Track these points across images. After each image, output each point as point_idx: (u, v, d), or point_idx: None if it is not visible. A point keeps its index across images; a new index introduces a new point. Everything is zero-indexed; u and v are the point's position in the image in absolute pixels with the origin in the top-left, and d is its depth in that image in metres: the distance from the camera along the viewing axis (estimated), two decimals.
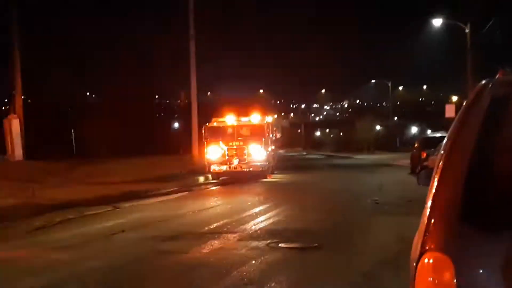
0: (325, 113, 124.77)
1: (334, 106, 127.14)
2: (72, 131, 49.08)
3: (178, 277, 7.70)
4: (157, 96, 67.19)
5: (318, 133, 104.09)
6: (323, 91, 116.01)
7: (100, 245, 10.23)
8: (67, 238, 10.92)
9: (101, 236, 11.06)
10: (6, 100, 36.89)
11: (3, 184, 20.40)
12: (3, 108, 38.30)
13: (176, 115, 68.67)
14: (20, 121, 29.57)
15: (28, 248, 10.00)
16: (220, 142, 25.84)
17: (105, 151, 36.99)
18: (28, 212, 14.40)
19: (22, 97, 31.26)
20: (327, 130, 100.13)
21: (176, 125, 66.14)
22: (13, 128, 29.38)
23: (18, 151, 29.26)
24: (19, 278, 7.82)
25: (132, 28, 45.64)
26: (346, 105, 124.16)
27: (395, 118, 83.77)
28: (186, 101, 38.76)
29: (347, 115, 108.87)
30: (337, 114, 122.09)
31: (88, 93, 55.67)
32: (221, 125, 26.46)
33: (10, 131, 29.41)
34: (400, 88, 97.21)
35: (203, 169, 26.45)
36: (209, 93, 54.20)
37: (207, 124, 27.03)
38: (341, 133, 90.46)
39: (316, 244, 9.55)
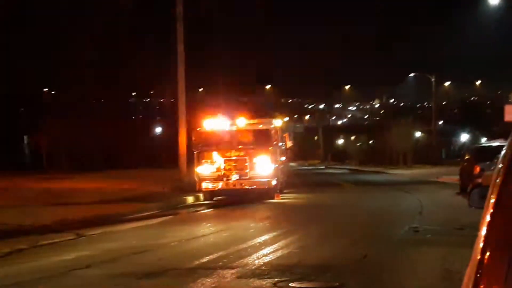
0: (350, 116, 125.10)
1: (361, 107, 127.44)
2: (25, 137, 49.20)
3: None
4: (133, 94, 67.25)
5: (340, 141, 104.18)
6: (347, 87, 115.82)
7: (58, 283, 10.22)
8: (17, 274, 10.89)
9: (59, 273, 11.01)
10: None
11: None
12: None
13: (158, 118, 68.78)
14: None
15: None
16: (215, 152, 25.82)
17: (68, 163, 37.08)
18: None
19: None
20: (353, 137, 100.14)
21: (159, 129, 66.28)
22: None
23: None
24: None
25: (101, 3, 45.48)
26: (377, 106, 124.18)
27: (440, 122, 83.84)
28: (172, 100, 38.77)
29: (378, 118, 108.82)
30: (366, 116, 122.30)
31: (46, 90, 55.73)
32: (216, 130, 26.36)
33: None
34: (447, 84, 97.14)
35: (192, 186, 26.47)
36: (201, 89, 54.17)
37: (198, 128, 26.99)
38: (371, 141, 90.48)
39: (337, 284, 9.51)
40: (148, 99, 78.37)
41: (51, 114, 45.75)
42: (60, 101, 51.62)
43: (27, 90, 45.93)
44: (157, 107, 73.20)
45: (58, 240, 14.99)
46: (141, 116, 70.64)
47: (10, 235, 15.31)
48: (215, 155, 25.76)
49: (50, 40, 43.34)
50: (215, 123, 26.74)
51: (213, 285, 9.64)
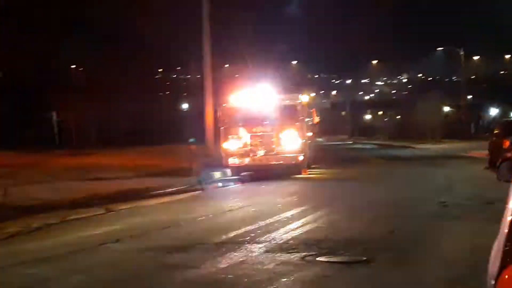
0: (377, 91, 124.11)
1: (389, 82, 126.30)
2: (53, 114, 49.52)
3: None
4: (160, 70, 67.32)
5: (368, 116, 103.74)
6: (374, 62, 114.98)
7: (88, 257, 10.33)
8: (47, 248, 11.06)
9: (89, 247, 11.16)
10: None
11: None
12: None
13: (185, 93, 68.84)
14: None
15: (0, 260, 10.15)
16: (241, 127, 25.82)
17: (95, 140, 37.33)
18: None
19: None
20: (380, 113, 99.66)
21: (185, 106, 66.38)
22: None
23: None
24: None
25: None
26: (405, 80, 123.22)
27: (469, 96, 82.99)
28: (198, 76, 38.75)
29: (406, 92, 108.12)
30: (393, 91, 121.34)
31: (73, 66, 55.93)
32: (242, 106, 26.36)
33: None
34: (476, 58, 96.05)
35: (219, 162, 26.56)
36: (227, 65, 54.04)
37: (224, 104, 26.99)
38: (398, 116, 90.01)
39: (365, 258, 9.52)
40: (175, 75, 78.44)
41: (79, 90, 45.97)
42: (88, 77, 51.78)
43: (55, 66, 46.13)
44: (184, 83, 73.21)
45: (87, 215, 15.17)
46: (168, 92, 70.70)
47: (40, 210, 15.51)
48: (242, 130, 25.78)
49: (78, 16, 43.35)
50: (242, 98, 26.73)
51: (241, 259, 9.70)
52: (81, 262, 9.94)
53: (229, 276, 8.66)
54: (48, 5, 41.45)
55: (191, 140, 25.74)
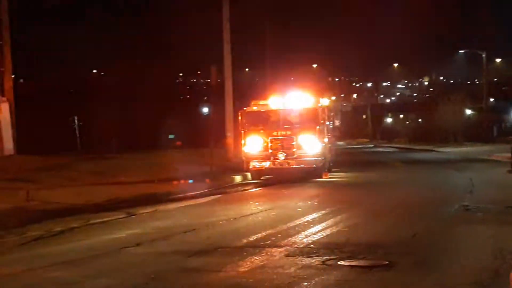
0: (398, 94, 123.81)
1: (410, 85, 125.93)
2: (75, 119, 49.80)
3: None
4: (181, 74, 67.48)
5: (389, 120, 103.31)
6: (395, 65, 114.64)
7: (110, 261, 10.37)
8: (70, 252, 11.13)
9: (111, 250, 11.21)
10: None
11: None
12: None
13: (205, 97, 68.97)
14: (10, 106, 29.99)
15: (23, 263, 10.21)
16: (262, 131, 25.84)
17: (116, 144, 37.47)
18: (22, 219, 14.76)
19: (13, 76, 31.71)
20: (401, 116, 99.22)
21: (205, 109, 66.45)
22: (1, 115, 29.78)
23: (7, 143, 29.78)
24: None
25: None
26: (426, 83, 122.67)
27: (491, 99, 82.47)
28: (219, 80, 38.87)
29: (427, 95, 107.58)
30: (414, 94, 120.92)
31: (94, 71, 56.24)
32: (262, 110, 26.43)
33: None
34: (498, 60, 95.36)
35: (239, 166, 26.59)
36: (247, 69, 53.96)
37: (244, 108, 27.04)
38: (420, 119, 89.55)
39: (387, 262, 9.48)
40: (195, 80, 78.49)
41: (100, 95, 46.19)
42: (109, 82, 52.03)
43: (77, 72, 46.46)
44: (204, 87, 73.33)
45: (109, 219, 15.24)
46: (188, 96, 70.88)
47: (63, 214, 15.61)
48: (262, 134, 25.78)
49: (100, 22, 43.65)
50: (262, 102, 26.79)
51: (262, 263, 9.69)
52: (104, 265, 9.97)
53: (250, 280, 8.65)
54: (72, 12, 41.69)
55: (171, 136, 25.88)
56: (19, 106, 31.08)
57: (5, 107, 29.74)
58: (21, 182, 22.13)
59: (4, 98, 29.94)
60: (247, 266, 9.52)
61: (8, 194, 18.79)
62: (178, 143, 24.36)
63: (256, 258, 10.05)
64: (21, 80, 37.80)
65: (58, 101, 44.34)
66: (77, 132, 49.14)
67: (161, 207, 17.50)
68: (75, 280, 8.86)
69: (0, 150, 29.74)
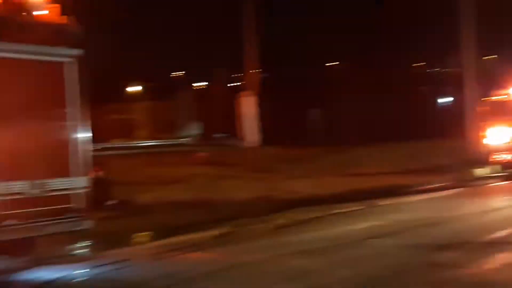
0: None
1: None
2: (317, 111, 50.51)
3: None
4: (417, 64, 65.90)
5: None
6: None
7: (352, 252, 10.46)
8: (313, 241, 11.43)
9: (354, 241, 11.33)
10: (237, 75, 39.25)
11: (237, 174, 22.11)
12: (236, 84, 40.74)
13: (443, 87, 66.98)
14: (254, 100, 30.91)
15: (269, 250, 10.69)
16: (505, 122, 24.68)
17: (355, 135, 37.51)
18: (267, 208, 15.42)
19: (258, 70, 32.73)
20: None
21: (443, 100, 64.59)
22: (247, 109, 30.76)
23: (252, 135, 30.73)
24: (262, 285, 8.36)
25: None
26: None
27: None
28: (458, 69, 37.14)
29: None
30: None
31: (335, 63, 56.51)
32: (507, 99, 25.20)
33: (241, 112, 30.91)
34: None
35: (482, 159, 25.59)
36: (495, 56, 50.79)
37: (487, 98, 25.99)
38: None
39: None
40: (432, 69, 76.37)
41: (337, 85, 46.42)
42: (344, 71, 52.07)
43: (317, 64, 46.97)
44: (441, 77, 71.15)
45: (350, 210, 15.37)
46: (425, 87, 69.20)
47: (304, 204, 16.05)
48: (506, 125, 24.62)
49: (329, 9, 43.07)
50: (506, 92, 25.54)
51: (507, 261, 9.30)
52: (346, 256, 10.09)
53: (496, 278, 8.32)
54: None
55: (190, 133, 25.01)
56: (262, 100, 32.08)
57: (250, 100, 30.75)
58: (265, 173, 23.11)
59: (250, 92, 31.00)
60: (493, 263, 9.18)
61: (253, 184, 19.71)
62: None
63: (503, 255, 9.67)
64: (266, 75, 38.97)
65: (299, 93, 45.23)
66: (318, 124, 49.90)
67: (400, 200, 17.39)
68: (317, 269, 9.06)
69: (245, 141, 30.88)
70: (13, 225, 8.68)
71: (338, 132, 39.06)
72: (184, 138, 38.98)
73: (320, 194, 17.86)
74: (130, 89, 44.02)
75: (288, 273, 8.86)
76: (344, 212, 15.06)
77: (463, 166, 25.25)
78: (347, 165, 25.55)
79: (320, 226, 13.32)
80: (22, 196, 8.73)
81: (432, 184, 20.34)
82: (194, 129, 41.09)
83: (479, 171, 24.45)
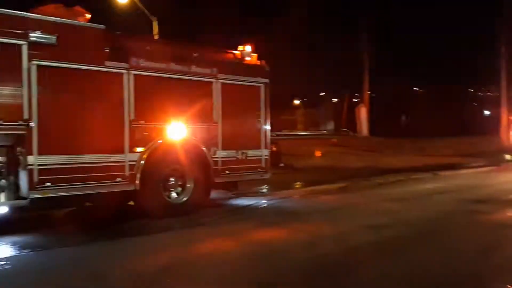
0: None
1: None
2: (403, 116, 48.60)
3: (484, 232, 7.18)
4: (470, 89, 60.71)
5: None
6: None
7: (421, 201, 10.14)
8: (397, 193, 11.14)
9: (422, 195, 10.96)
10: (357, 95, 38.75)
11: (353, 152, 21.91)
12: (355, 100, 40.23)
13: (487, 103, 61.67)
14: (366, 109, 30.99)
15: (370, 197, 10.60)
16: None
17: (429, 132, 35.76)
18: (370, 173, 15.17)
19: (368, 92, 32.42)
20: None
21: (487, 112, 59.69)
22: (361, 114, 31.12)
23: (364, 130, 30.95)
24: (363, 218, 8.30)
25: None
26: None
27: None
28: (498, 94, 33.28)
29: None
30: None
31: (415, 88, 53.76)
32: None
33: (359, 116, 31.23)
34: None
35: (510, 149, 23.51)
36: None
37: None
38: None
39: None
40: (479, 92, 69.93)
41: (418, 101, 44.27)
42: (423, 91, 49.06)
43: (403, 87, 44.75)
44: (486, 97, 65.10)
45: (422, 176, 14.74)
46: (476, 103, 63.83)
47: (393, 172, 15.61)
48: None
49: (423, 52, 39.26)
50: None
51: None
52: (416, 203, 9.80)
53: None
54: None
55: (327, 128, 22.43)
56: (371, 108, 31.69)
57: (363, 110, 30.86)
58: (371, 152, 22.69)
59: (363, 105, 31.05)
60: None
61: (363, 158, 19.50)
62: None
63: None
64: (373, 95, 37.76)
65: (394, 104, 43.50)
66: (405, 124, 47.83)
67: (457, 172, 16.47)
68: (399, 210, 8.87)
69: (360, 133, 30.90)
70: (229, 174, 8.93)
71: (419, 129, 37.34)
72: (324, 131, 39.04)
73: (404, 166, 17.32)
74: (295, 101, 44.62)
75: (380, 211, 8.74)
76: (419, 178, 14.51)
77: (498, 153, 23.40)
78: (423, 149, 24.52)
79: (403, 185, 12.95)
80: (234, 158, 9.00)
81: (477, 163, 19.03)
82: (330, 126, 41.07)
83: (508, 156, 22.53)
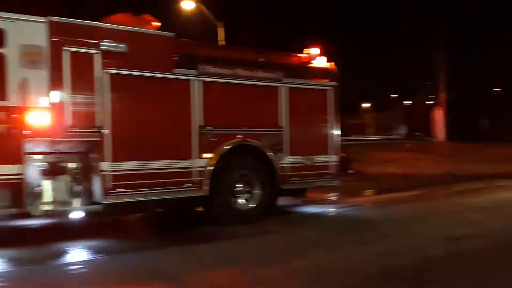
0: None
1: None
2: (483, 119, 46.00)
3: None
4: None
5: None
6: None
7: (506, 210, 9.45)
8: (479, 202, 10.48)
9: (505, 203, 10.24)
10: (431, 96, 37.26)
11: (429, 158, 21.06)
12: (429, 102, 38.74)
13: None
14: (443, 112, 30.08)
15: (449, 206, 10.00)
16: None
17: (508, 137, 33.51)
18: (448, 180, 14.47)
19: (445, 94, 31.28)
20: None
21: None
22: (438, 117, 30.16)
23: (441, 134, 29.99)
24: (442, 228, 7.84)
25: None
26: None
27: None
28: None
29: None
30: None
31: (493, 90, 50.56)
32: None
33: (434, 119, 30.33)
34: None
35: None
36: None
37: None
38: None
39: None
40: None
41: (496, 103, 41.70)
42: (502, 93, 46.13)
43: (483, 88, 42.46)
44: None
45: (504, 184, 13.81)
46: None
47: (474, 179, 14.78)
48: None
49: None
50: None
51: None
52: (499, 213, 9.15)
53: None
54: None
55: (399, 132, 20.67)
56: (448, 111, 30.50)
57: (440, 113, 29.91)
58: (448, 158, 21.69)
59: (440, 108, 30.14)
60: None
61: (440, 165, 18.69)
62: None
63: None
64: (450, 97, 36.14)
65: (472, 107, 41.40)
66: (484, 127, 45.30)
67: None
68: (481, 220, 8.31)
69: (436, 138, 29.89)
70: (296, 180, 8.73)
71: (500, 133, 35.12)
72: (396, 135, 37.89)
73: (484, 172, 16.30)
74: (363, 105, 43.70)
75: (461, 221, 8.22)
76: (501, 185, 13.59)
77: None
78: (505, 155, 22.94)
79: (485, 193, 12.18)
80: (301, 165, 8.84)
81: None
82: (402, 130, 39.80)
83: None
